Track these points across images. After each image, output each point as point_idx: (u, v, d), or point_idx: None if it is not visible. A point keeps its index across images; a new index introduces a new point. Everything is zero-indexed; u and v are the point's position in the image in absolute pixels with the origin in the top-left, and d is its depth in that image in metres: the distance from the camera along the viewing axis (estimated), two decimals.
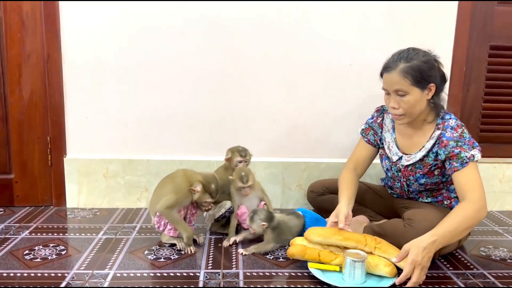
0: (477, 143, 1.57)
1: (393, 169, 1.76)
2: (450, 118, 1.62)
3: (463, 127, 1.59)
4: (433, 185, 1.71)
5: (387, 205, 1.89)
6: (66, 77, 2.08)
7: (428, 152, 1.63)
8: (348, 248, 1.52)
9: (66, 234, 1.85)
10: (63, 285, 1.40)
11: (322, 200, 1.95)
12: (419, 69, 1.53)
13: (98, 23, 2.04)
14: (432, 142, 1.62)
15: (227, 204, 1.81)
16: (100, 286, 1.40)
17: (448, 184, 1.73)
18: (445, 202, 1.74)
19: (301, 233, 1.73)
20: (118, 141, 2.15)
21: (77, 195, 2.17)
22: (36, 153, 2.13)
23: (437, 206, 1.72)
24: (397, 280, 1.40)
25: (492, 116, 2.28)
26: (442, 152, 1.59)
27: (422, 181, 1.69)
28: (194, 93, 2.13)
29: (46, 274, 1.47)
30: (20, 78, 2.06)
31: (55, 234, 1.83)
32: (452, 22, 2.13)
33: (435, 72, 1.57)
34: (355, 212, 1.78)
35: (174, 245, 1.72)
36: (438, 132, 1.61)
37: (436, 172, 1.66)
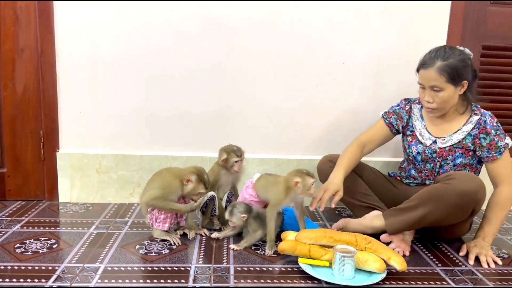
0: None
1: (426, 152, 1.82)
2: (478, 109, 1.78)
3: (495, 118, 1.76)
4: (464, 166, 1.80)
5: (400, 195, 1.88)
6: (60, 72, 2.08)
7: (467, 134, 1.75)
8: None
9: (57, 228, 1.85)
10: (53, 278, 1.40)
11: None
12: (455, 67, 1.65)
13: (92, 18, 2.04)
14: (470, 126, 1.75)
15: (208, 194, 1.82)
16: (91, 279, 1.40)
17: (473, 167, 1.82)
18: None
19: (281, 227, 1.75)
20: (111, 136, 2.15)
21: (70, 189, 2.17)
22: (29, 147, 2.13)
23: None
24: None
25: None
26: (483, 139, 1.73)
27: (458, 161, 1.78)
28: (187, 89, 2.13)
29: (36, 267, 1.47)
30: (13, 72, 2.06)
31: (47, 228, 1.84)
32: (445, 22, 2.15)
33: (469, 70, 1.68)
34: (367, 199, 1.86)
35: (166, 240, 1.72)
36: (476, 117, 1.75)
37: (471, 153, 1.77)
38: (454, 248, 1.76)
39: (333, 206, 1.72)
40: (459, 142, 1.77)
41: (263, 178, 1.81)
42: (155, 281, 1.40)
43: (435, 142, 1.81)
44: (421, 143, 1.85)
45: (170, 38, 2.08)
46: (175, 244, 1.69)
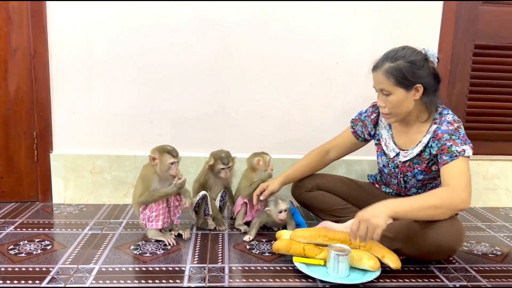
0: (470, 141, 1.54)
1: (390, 165, 1.74)
2: (447, 114, 1.60)
3: (459, 123, 1.57)
4: (431, 181, 1.70)
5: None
6: (53, 73, 2.07)
7: (425, 147, 1.61)
8: None
9: (51, 229, 1.84)
10: (48, 279, 1.40)
11: (310, 197, 1.88)
12: (402, 69, 1.52)
13: (85, 18, 2.04)
14: (428, 136, 1.60)
15: (200, 193, 1.82)
16: (85, 280, 1.40)
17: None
18: None
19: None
20: (105, 137, 2.15)
21: (64, 191, 2.16)
22: (22, 148, 2.12)
23: None
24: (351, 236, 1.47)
25: (476, 114, 2.31)
26: (435, 145, 1.56)
27: (420, 177, 1.67)
28: (182, 89, 2.13)
29: (30, 269, 1.46)
30: (6, 73, 2.04)
31: (41, 229, 1.83)
32: (437, 21, 2.16)
33: (423, 73, 1.54)
34: (346, 213, 1.80)
35: (161, 240, 1.72)
36: (434, 127, 1.59)
37: (433, 168, 1.64)
38: None
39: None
40: (418, 156, 1.63)
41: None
42: (150, 281, 1.40)
43: (398, 155, 1.69)
44: (385, 154, 1.75)
45: (165, 38, 2.07)
46: (170, 244, 1.69)
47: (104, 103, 2.11)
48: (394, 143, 1.72)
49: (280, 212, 1.75)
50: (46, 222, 1.92)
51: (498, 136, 2.35)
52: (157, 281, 1.40)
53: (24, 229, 1.82)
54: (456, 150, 1.50)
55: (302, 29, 2.11)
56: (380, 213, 1.39)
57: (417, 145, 1.64)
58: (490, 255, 1.70)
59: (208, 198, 1.84)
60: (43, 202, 2.17)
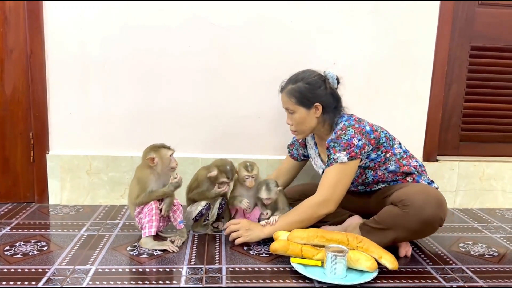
0: (357, 147, 1.62)
1: None
2: (341, 122, 1.70)
3: (349, 129, 1.64)
4: (365, 180, 1.78)
5: (360, 202, 1.87)
6: (50, 73, 2.06)
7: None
8: None
9: (48, 230, 1.83)
10: (44, 280, 1.39)
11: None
12: (301, 90, 1.69)
13: (82, 19, 2.03)
14: None
15: (202, 202, 1.80)
16: (82, 281, 1.39)
17: (383, 169, 1.74)
18: (396, 178, 1.76)
19: None
20: (101, 138, 2.14)
21: (60, 191, 2.15)
22: (18, 149, 2.11)
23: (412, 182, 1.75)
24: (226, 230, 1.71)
25: (472, 116, 2.32)
26: (326, 152, 1.70)
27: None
28: (179, 90, 2.13)
29: (26, 270, 1.45)
30: (2, 73, 2.04)
31: (37, 230, 1.82)
32: (434, 22, 2.16)
33: (321, 92, 1.69)
34: (337, 216, 1.82)
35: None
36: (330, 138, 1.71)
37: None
38: (446, 247, 1.77)
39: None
40: None
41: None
42: (147, 282, 1.40)
43: (324, 171, 1.75)
44: (317, 171, 1.89)
45: (162, 39, 2.07)
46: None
47: (101, 103, 2.11)
48: (321, 159, 1.86)
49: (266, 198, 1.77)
50: (43, 223, 1.91)
51: (494, 137, 2.36)
52: (154, 282, 1.40)
53: (20, 230, 1.81)
54: (333, 158, 1.65)
55: (300, 30, 2.11)
56: (254, 231, 1.69)
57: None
58: (487, 256, 1.71)
59: (211, 207, 1.82)
60: (39, 203, 2.16)
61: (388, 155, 1.73)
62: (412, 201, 1.55)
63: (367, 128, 1.67)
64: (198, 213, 1.79)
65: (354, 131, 1.64)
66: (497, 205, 2.35)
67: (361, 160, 1.69)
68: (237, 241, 1.69)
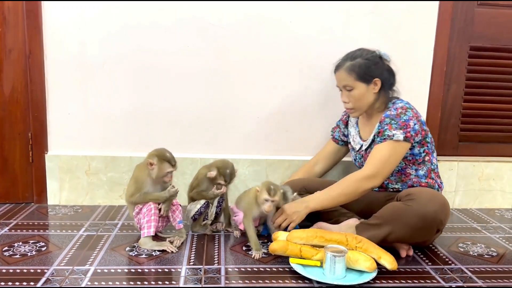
0: (413, 129, 1.64)
1: (357, 157, 1.89)
2: (399, 102, 1.74)
3: (408, 110, 1.68)
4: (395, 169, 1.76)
5: (363, 202, 1.85)
6: (48, 73, 2.06)
7: (376, 133, 1.74)
8: None
9: (46, 231, 1.83)
10: (42, 280, 1.39)
11: None
12: (362, 65, 1.70)
13: (81, 19, 2.03)
14: (379, 123, 1.73)
15: (201, 200, 1.80)
16: (81, 281, 1.39)
17: (414, 168, 1.76)
18: (424, 184, 1.77)
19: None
20: (100, 138, 2.14)
21: (59, 192, 2.15)
22: (17, 149, 2.11)
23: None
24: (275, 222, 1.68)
25: (472, 116, 2.32)
26: (377, 127, 1.72)
27: None
28: (177, 90, 2.12)
29: (25, 270, 1.45)
30: (1, 74, 2.03)
31: (36, 231, 1.81)
32: (433, 22, 2.16)
33: (379, 68, 1.72)
34: (336, 215, 1.81)
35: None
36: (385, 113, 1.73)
37: None
38: (445, 247, 1.77)
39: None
40: (373, 142, 1.77)
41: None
42: (146, 283, 1.39)
43: (362, 146, 1.84)
44: (353, 149, 1.91)
45: (160, 39, 2.07)
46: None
47: (100, 104, 2.10)
48: (360, 137, 1.88)
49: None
50: (41, 223, 1.91)
51: (493, 137, 2.36)
52: (153, 282, 1.40)
53: (18, 231, 1.81)
54: (387, 134, 1.65)
55: (299, 30, 2.11)
56: (299, 210, 1.66)
57: (372, 132, 1.78)
58: (486, 256, 1.71)
59: (210, 206, 1.82)
60: (38, 203, 2.15)
61: (426, 158, 1.76)
62: (418, 196, 1.57)
63: (422, 119, 1.72)
64: (197, 211, 1.79)
65: (413, 114, 1.68)
66: (496, 205, 2.35)
67: (411, 147, 1.70)
68: (290, 227, 1.66)
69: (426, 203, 1.55)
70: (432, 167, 1.79)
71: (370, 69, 1.71)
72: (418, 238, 1.64)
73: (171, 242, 1.69)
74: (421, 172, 1.76)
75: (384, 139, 1.66)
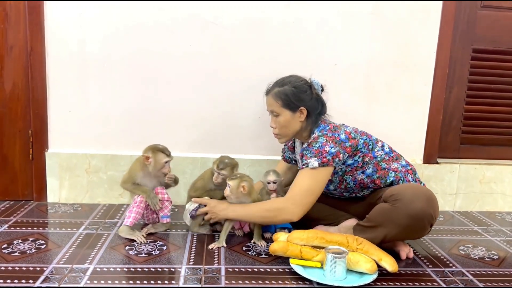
0: (329, 154, 1.62)
1: None
2: (315, 132, 1.71)
3: (320, 137, 1.65)
4: (347, 186, 1.77)
5: (353, 204, 1.88)
6: (50, 71, 2.06)
7: None
8: None
9: (46, 228, 1.82)
10: (41, 278, 1.38)
11: None
12: (288, 93, 1.70)
13: (83, 17, 2.02)
14: None
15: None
16: (80, 280, 1.38)
17: (360, 172, 1.74)
18: (379, 182, 1.75)
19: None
20: (101, 136, 2.13)
21: (59, 190, 2.14)
22: (17, 146, 2.10)
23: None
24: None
25: (473, 118, 2.32)
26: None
27: (330, 187, 1.79)
28: (178, 89, 2.12)
29: (24, 268, 1.44)
30: (2, 70, 2.03)
31: (35, 228, 1.81)
32: (436, 24, 2.16)
33: (307, 97, 1.70)
34: (333, 218, 1.82)
35: (156, 241, 1.71)
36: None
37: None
38: (445, 250, 1.77)
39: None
40: None
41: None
42: (145, 282, 1.39)
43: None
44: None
45: (162, 38, 2.06)
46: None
47: (100, 102, 2.10)
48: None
49: (269, 183, 1.78)
50: (41, 221, 1.90)
51: (495, 140, 2.36)
52: (152, 281, 1.39)
53: (18, 228, 1.80)
54: (304, 163, 1.66)
55: (301, 31, 2.11)
56: (217, 213, 1.73)
57: None
58: (487, 259, 1.70)
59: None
60: (37, 201, 2.15)
61: (366, 159, 1.73)
62: (402, 196, 1.54)
63: (342, 136, 1.66)
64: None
65: (326, 139, 1.65)
66: (497, 208, 2.34)
67: (335, 168, 1.68)
68: (206, 217, 1.76)
69: (412, 201, 1.52)
70: (378, 159, 1.74)
71: (297, 97, 1.69)
72: (413, 235, 1.63)
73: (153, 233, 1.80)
74: (368, 171, 1.74)
75: (302, 168, 1.67)
